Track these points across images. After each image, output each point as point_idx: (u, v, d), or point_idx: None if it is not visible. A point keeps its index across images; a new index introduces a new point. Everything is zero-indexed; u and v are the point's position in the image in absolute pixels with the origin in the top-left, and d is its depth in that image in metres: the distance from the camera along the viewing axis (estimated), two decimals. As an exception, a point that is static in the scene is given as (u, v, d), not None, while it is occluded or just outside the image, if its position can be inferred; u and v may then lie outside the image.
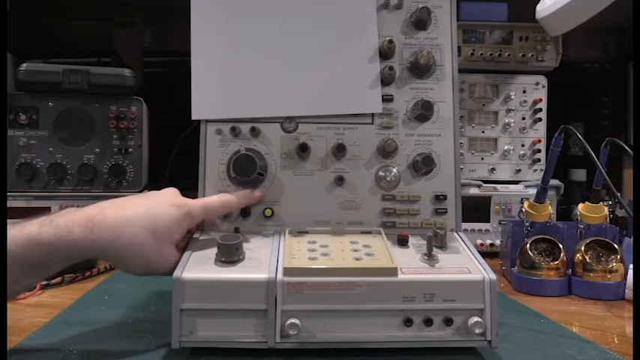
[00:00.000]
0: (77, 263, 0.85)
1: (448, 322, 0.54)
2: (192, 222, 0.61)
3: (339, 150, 0.66)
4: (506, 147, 1.16)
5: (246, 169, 0.64)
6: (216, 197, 0.63)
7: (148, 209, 0.57)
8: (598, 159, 0.80)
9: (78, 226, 0.53)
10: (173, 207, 0.58)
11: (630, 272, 0.79)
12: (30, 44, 1.37)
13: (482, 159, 1.16)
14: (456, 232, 0.67)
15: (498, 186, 1.14)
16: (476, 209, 1.12)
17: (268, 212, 0.66)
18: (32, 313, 0.69)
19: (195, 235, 0.64)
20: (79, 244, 0.53)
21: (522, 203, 0.95)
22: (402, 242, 0.62)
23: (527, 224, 0.90)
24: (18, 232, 0.52)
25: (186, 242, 0.62)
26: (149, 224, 0.56)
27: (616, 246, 0.82)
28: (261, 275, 0.54)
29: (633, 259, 0.76)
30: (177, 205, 0.59)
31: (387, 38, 0.67)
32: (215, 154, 0.67)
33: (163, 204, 0.58)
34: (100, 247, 0.54)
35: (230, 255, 0.56)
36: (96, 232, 0.53)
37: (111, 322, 0.65)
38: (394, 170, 0.67)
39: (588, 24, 0.94)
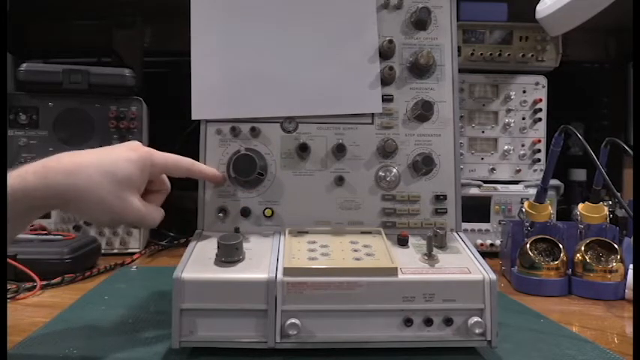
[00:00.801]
0: (77, 263, 0.86)
1: (448, 322, 0.54)
2: (155, 169, 0.59)
3: (339, 150, 0.66)
4: (506, 147, 1.16)
5: (246, 169, 0.64)
6: (184, 158, 0.62)
7: (104, 153, 0.57)
8: (598, 159, 0.80)
9: (32, 174, 0.52)
10: (131, 151, 0.58)
11: (630, 272, 0.79)
12: (30, 44, 1.37)
13: (482, 159, 1.16)
14: (456, 232, 0.67)
15: (498, 186, 1.14)
16: (476, 209, 1.12)
17: (268, 212, 0.66)
18: (32, 313, 0.69)
19: (195, 235, 0.64)
20: (34, 192, 0.51)
21: (522, 203, 0.95)
22: (402, 242, 0.62)
23: (527, 224, 0.90)
24: None
25: (162, 199, 0.62)
26: (105, 168, 0.55)
27: (616, 246, 0.82)
28: (261, 275, 0.54)
29: (633, 259, 0.76)
30: (135, 150, 0.58)
31: (387, 38, 0.67)
32: (215, 154, 0.66)
33: (121, 148, 0.58)
34: (56, 193, 0.52)
35: (230, 255, 0.56)
36: (50, 177, 0.52)
37: (111, 322, 0.65)
38: (394, 170, 0.67)
39: (588, 24, 0.94)
